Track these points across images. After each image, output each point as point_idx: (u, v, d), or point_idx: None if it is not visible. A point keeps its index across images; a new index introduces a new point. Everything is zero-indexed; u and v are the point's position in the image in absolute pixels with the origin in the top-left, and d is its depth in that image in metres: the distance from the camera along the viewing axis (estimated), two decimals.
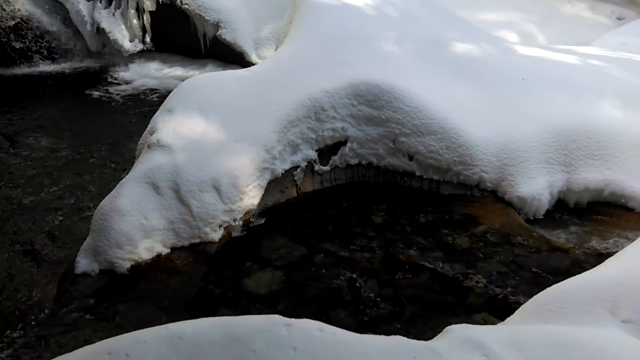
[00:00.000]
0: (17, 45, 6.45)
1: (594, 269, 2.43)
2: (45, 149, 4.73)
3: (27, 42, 6.52)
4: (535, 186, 3.77)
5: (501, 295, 2.92)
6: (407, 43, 4.74)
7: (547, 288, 2.24)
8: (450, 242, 3.37)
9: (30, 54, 6.53)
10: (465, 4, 6.51)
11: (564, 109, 4.12)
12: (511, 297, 2.89)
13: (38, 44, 6.57)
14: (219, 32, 6.53)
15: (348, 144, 3.98)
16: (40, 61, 6.57)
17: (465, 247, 3.32)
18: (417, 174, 3.92)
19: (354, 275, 3.05)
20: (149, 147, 3.33)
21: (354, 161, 4.02)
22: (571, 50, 5.52)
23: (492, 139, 3.87)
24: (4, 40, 6.39)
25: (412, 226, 3.53)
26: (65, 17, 6.72)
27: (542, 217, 3.81)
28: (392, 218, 3.62)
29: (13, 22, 6.44)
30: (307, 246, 3.31)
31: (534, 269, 3.14)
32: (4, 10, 6.40)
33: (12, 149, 4.73)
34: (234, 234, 3.33)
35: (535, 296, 2.24)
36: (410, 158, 3.92)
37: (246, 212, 3.38)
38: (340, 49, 4.38)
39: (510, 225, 3.56)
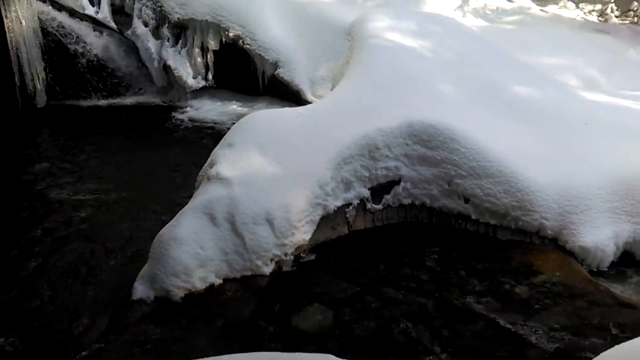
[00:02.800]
0: (93, 79, 6.91)
1: None
2: (109, 176, 4.97)
3: (101, 76, 6.97)
4: (599, 236, 3.59)
5: (562, 351, 2.75)
6: (463, 84, 4.73)
7: (615, 346, 2.10)
8: (508, 290, 3.24)
9: (103, 87, 6.96)
10: (525, 47, 6.46)
11: (630, 156, 3.95)
12: (573, 354, 2.72)
13: (110, 78, 7.01)
14: (277, 71, 6.75)
15: (401, 184, 3.96)
16: (112, 94, 6.99)
17: (524, 296, 3.17)
18: (473, 217, 3.82)
19: (406, 318, 2.96)
20: (208, 179, 3.43)
21: (407, 201, 3.98)
22: (636, 96, 5.33)
23: (553, 184, 3.74)
24: (81, 74, 6.86)
25: (467, 271, 3.42)
26: (135, 54, 7.16)
27: (606, 269, 3.61)
28: (446, 261, 3.52)
29: (88, 58, 6.92)
30: (358, 285, 3.26)
31: (597, 324, 2.96)
32: (81, 45, 6.89)
33: (79, 175, 4.98)
34: (284, 268, 3.34)
35: (602, 354, 2.09)
36: (466, 201, 3.84)
37: (297, 247, 3.39)
38: (396, 90, 4.42)
39: (572, 276, 3.39)
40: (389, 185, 3.96)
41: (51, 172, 5.16)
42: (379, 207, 3.95)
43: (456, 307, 3.08)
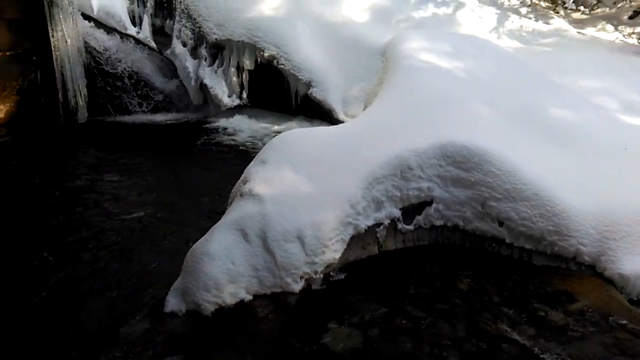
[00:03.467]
0: (132, 96, 7.14)
1: None
2: (145, 190, 5.10)
3: (140, 94, 7.20)
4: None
5: None
6: (498, 106, 4.69)
7: None
8: (543, 317, 3.14)
9: (141, 104, 7.19)
10: (561, 70, 6.37)
11: None
12: None
13: (149, 95, 7.23)
14: (310, 91, 6.84)
15: (433, 205, 3.92)
16: (150, 111, 7.20)
17: (560, 324, 3.08)
18: (507, 241, 3.75)
19: (436, 342, 2.91)
20: (241, 195, 3.48)
21: (439, 222, 3.94)
22: None
23: (590, 209, 3.65)
24: (121, 91, 7.11)
25: (500, 296, 3.34)
26: (174, 73, 7.38)
27: None
28: (479, 286, 3.45)
29: (128, 76, 7.16)
30: (387, 306, 3.22)
31: (637, 355, 2.83)
32: (122, 64, 7.15)
33: (115, 189, 5.12)
34: (314, 287, 3.33)
35: None
36: (500, 224, 3.77)
37: (327, 266, 3.39)
38: (430, 110, 4.41)
39: (610, 305, 3.27)
40: (420, 206, 3.93)
41: (89, 186, 5.33)
42: (410, 227, 3.92)
43: (489, 332, 3.00)
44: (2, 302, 3.34)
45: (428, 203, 3.92)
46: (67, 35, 6.66)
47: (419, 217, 3.93)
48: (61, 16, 6.60)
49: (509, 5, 9.97)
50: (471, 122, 4.27)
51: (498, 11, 8.81)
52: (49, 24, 6.55)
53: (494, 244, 3.84)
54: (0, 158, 5.74)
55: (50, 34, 6.58)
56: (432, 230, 3.96)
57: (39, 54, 6.65)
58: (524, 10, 9.71)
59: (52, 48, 6.61)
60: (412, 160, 3.85)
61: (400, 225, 3.88)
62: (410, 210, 3.92)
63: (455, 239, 3.96)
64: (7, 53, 6.49)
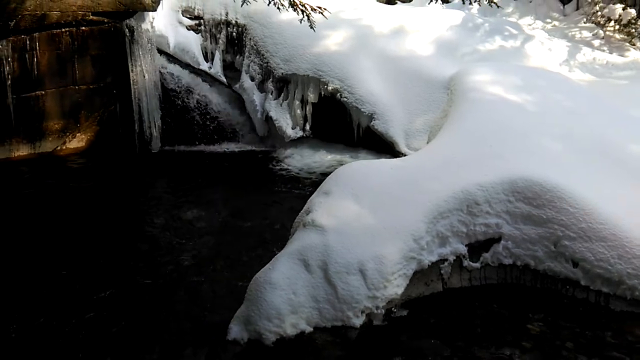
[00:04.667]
0: (202, 127, 7.47)
1: None
2: (212, 218, 5.26)
3: (209, 125, 7.52)
4: None
5: None
6: (571, 140, 4.48)
7: None
8: None
9: (210, 135, 7.49)
10: (638, 103, 6.02)
11: None
12: None
13: (217, 127, 7.53)
14: (372, 123, 6.86)
15: (502, 242, 3.76)
16: (218, 141, 7.49)
17: None
18: (583, 283, 3.52)
19: None
20: (304, 225, 3.50)
21: (507, 261, 3.76)
22: None
23: None
24: (192, 122, 7.45)
25: (575, 342, 3.12)
26: (241, 106, 7.65)
27: None
28: (551, 330, 3.25)
29: (199, 108, 7.51)
30: (452, 347, 3.09)
31: None
32: (194, 97, 7.51)
33: (184, 217, 5.31)
34: (375, 322, 3.26)
35: None
36: (575, 265, 3.55)
37: (389, 301, 3.31)
38: (498, 144, 4.29)
39: None
40: (488, 242, 3.78)
41: (158, 212, 5.57)
42: (477, 265, 3.77)
43: None
44: (70, 326, 3.48)
45: (496, 240, 3.77)
46: (145, 70, 7.11)
47: (486, 255, 3.78)
48: (140, 52, 7.06)
49: (581, 37, 9.65)
50: (542, 157, 4.10)
51: (569, 44, 8.53)
52: (129, 59, 7.03)
53: (567, 286, 3.61)
54: (79, 183, 6.13)
55: (130, 69, 7.05)
56: (500, 268, 3.79)
57: (119, 87, 7.13)
58: (596, 42, 9.35)
59: (131, 82, 7.07)
60: (479, 195, 3.73)
61: (466, 262, 3.75)
62: (477, 247, 3.79)
63: (526, 279, 3.77)
64: (91, 86, 7.01)
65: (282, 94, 7.42)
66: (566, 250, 3.56)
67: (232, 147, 7.47)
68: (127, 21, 6.93)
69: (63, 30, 6.59)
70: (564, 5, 11.43)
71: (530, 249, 3.68)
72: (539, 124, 4.69)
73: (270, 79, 7.41)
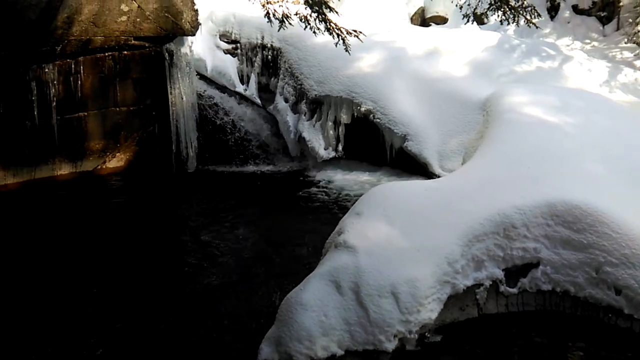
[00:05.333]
0: (237, 147, 7.60)
1: None
2: (244, 238, 5.31)
3: (244, 145, 7.64)
4: None
5: None
6: (613, 163, 4.34)
7: None
8: None
9: (245, 155, 7.61)
10: None
11: None
12: None
13: (251, 147, 7.65)
14: (405, 144, 6.82)
15: (540, 267, 3.64)
16: (252, 162, 7.60)
17: None
18: (626, 312, 3.36)
19: None
20: (335, 246, 3.48)
21: (546, 287, 3.63)
22: None
23: None
24: (227, 143, 7.59)
25: None
26: (275, 126, 7.76)
27: None
28: None
29: (234, 129, 7.64)
30: None
31: None
32: (229, 118, 7.66)
33: (218, 236, 5.37)
34: (408, 347, 3.18)
35: None
36: (617, 292, 3.40)
37: (422, 326, 3.23)
38: (536, 166, 4.19)
39: None
40: (525, 267, 3.66)
41: (191, 230, 5.65)
42: (514, 290, 3.65)
43: None
44: (95, 345, 3.53)
45: (534, 265, 3.65)
46: (183, 92, 7.31)
47: (523, 280, 3.66)
48: (179, 75, 7.27)
49: (622, 58, 9.41)
50: (583, 180, 3.97)
51: (609, 64, 8.33)
52: (168, 82, 7.24)
53: (610, 314, 3.45)
54: (117, 201, 6.29)
55: (169, 91, 7.25)
56: (538, 294, 3.66)
57: (157, 109, 7.34)
58: (639, 63, 9.10)
59: (170, 104, 7.27)
60: (516, 218, 3.64)
61: (502, 288, 3.63)
62: (514, 272, 3.67)
63: (565, 306, 3.62)
64: (131, 108, 7.23)
65: (315, 115, 7.48)
66: (608, 276, 3.41)
67: (266, 167, 7.55)
68: (167, 45, 7.16)
69: (106, 54, 6.85)
70: (603, 25, 11.22)
71: (570, 275, 3.54)
72: (578, 145, 4.57)
73: (304, 101, 7.50)
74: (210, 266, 4.66)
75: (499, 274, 3.61)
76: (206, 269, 4.61)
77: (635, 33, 9.68)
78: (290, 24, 5.48)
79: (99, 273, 4.52)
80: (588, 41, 11.03)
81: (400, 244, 3.48)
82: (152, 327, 3.68)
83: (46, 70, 6.45)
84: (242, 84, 7.99)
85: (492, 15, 8.57)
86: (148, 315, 3.84)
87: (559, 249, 3.59)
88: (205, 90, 7.73)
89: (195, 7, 7.02)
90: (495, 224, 3.62)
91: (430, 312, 3.25)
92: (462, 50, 7.64)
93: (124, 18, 6.51)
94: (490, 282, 3.59)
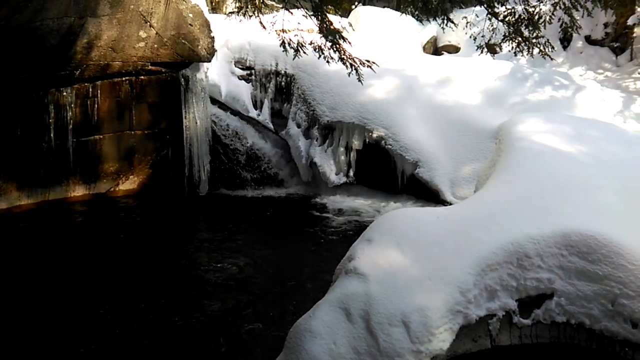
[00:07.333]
0: (248, 172, 7.66)
1: None
2: (254, 263, 5.29)
3: (256, 170, 7.70)
4: None
5: None
6: (629, 193, 4.27)
7: None
8: None
9: (256, 179, 7.66)
10: None
11: None
12: None
13: (263, 172, 7.71)
14: (416, 171, 6.82)
15: (555, 298, 3.56)
16: (263, 186, 7.64)
17: None
18: None
19: None
20: (345, 273, 3.44)
21: (561, 318, 3.54)
22: None
23: None
24: (239, 167, 7.65)
25: None
26: (287, 152, 7.82)
27: None
28: None
29: (247, 153, 7.71)
30: None
31: None
32: (242, 143, 7.73)
33: (227, 260, 5.36)
34: None
35: None
36: (634, 326, 3.30)
37: (434, 357, 3.16)
38: (550, 195, 4.14)
39: None
40: (539, 298, 3.58)
41: (201, 254, 5.65)
42: (528, 322, 3.57)
43: None
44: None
45: (548, 296, 3.57)
46: (197, 116, 7.42)
47: (537, 311, 3.58)
48: (194, 100, 7.40)
49: (636, 88, 9.39)
50: (597, 210, 3.91)
51: (623, 94, 8.30)
52: (182, 106, 7.37)
53: (626, 348, 3.35)
54: (129, 223, 6.33)
55: (183, 116, 7.37)
56: (553, 326, 3.57)
57: (172, 132, 7.45)
58: None
59: (184, 128, 7.37)
60: (529, 248, 3.58)
61: (516, 319, 3.55)
62: (528, 303, 3.59)
63: (580, 338, 3.53)
64: (146, 131, 7.35)
65: (327, 141, 7.54)
66: (624, 309, 3.32)
67: (277, 191, 7.60)
68: (183, 71, 7.31)
69: (123, 78, 7.00)
70: (616, 56, 11.22)
71: (585, 307, 3.46)
72: (593, 175, 4.52)
73: (316, 126, 7.57)
74: (218, 291, 4.64)
75: (513, 304, 3.54)
76: (214, 294, 4.59)
77: None
78: (304, 52, 5.56)
79: (108, 294, 4.52)
80: (601, 71, 11.03)
81: (412, 271, 3.44)
82: (158, 352, 3.65)
83: (64, 93, 6.60)
84: (256, 109, 8.10)
85: (504, 45, 8.61)
86: (154, 338, 3.81)
87: (574, 279, 3.51)
88: (219, 115, 7.84)
89: (212, 35, 7.18)
90: (509, 253, 3.56)
91: (442, 342, 3.18)
92: (475, 79, 7.69)
93: (142, 44, 6.66)
94: (504, 313, 3.52)
